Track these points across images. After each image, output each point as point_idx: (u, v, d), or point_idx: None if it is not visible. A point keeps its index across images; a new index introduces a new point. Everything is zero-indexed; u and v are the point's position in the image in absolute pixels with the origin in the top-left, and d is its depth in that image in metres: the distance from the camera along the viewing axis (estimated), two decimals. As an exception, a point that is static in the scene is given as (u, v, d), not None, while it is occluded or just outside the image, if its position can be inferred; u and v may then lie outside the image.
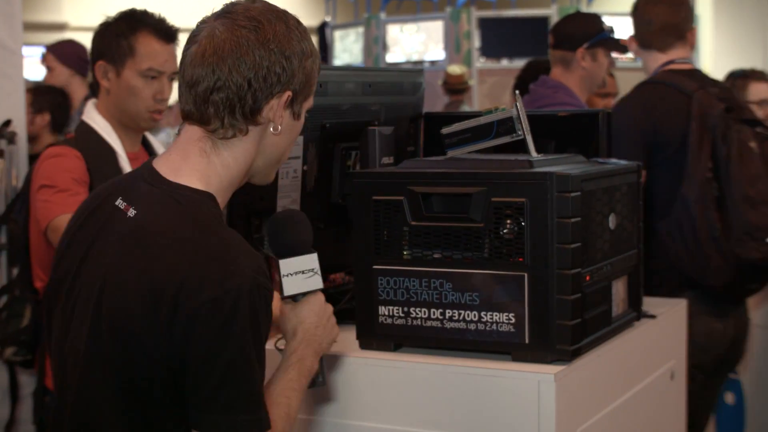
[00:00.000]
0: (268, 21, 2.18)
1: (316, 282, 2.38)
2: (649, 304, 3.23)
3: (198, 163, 2.18)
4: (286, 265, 2.36)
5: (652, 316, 3.16)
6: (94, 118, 3.65)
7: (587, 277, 2.65)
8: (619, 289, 2.92)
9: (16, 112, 4.51)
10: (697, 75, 4.48)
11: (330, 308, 2.41)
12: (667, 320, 3.31)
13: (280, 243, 2.39)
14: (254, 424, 2.08)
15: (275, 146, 2.24)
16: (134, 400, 2.10)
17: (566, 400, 2.58)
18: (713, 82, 4.46)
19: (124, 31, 3.59)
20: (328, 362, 2.74)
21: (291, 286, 2.36)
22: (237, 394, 2.05)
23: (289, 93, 2.18)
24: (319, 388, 2.48)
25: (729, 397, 5.30)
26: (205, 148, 2.18)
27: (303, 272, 2.36)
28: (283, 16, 2.22)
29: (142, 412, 2.10)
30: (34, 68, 18.67)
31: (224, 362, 2.02)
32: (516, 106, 2.75)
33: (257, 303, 2.05)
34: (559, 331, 2.57)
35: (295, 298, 2.40)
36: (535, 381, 2.54)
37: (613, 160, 2.99)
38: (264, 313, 2.07)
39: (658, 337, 3.24)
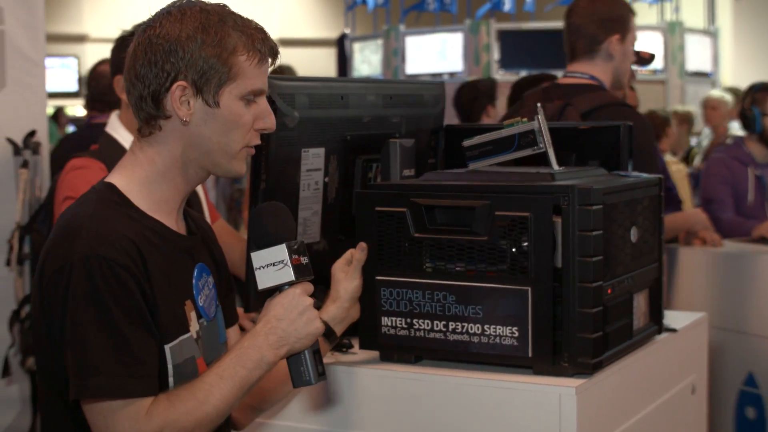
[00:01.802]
0: (165, 18, 2.29)
1: (287, 274, 2.27)
2: (671, 317, 3.22)
3: (125, 161, 2.36)
4: (257, 257, 2.29)
5: (674, 330, 3.15)
6: (117, 129, 3.67)
7: (609, 291, 2.64)
8: (640, 302, 2.91)
9: (38, 122, 4.53)
10: None
11: (304, 302, 2.28)
12: (689, 334, 3.30)
13: (255, 235, 2.34)
14: (96, 389, 2.12)
15: (203, 137, 2.29)
16: (48, 380, 2.28)
17: (587, 414, 2.57)
18: None
19: None
20: (351, 375, 2.74)
21: (263, 279, 2.28)
22: (83, 361, 2.12)
23: (181, 83, 2.25)
24: (312, 385, 2.33)
25: (750, 412, 5.28)
26: (134, 148, 2.35)
27: (274, 264, 2.27)
28: (188, 11, 2.28)
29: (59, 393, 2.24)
30: (55, 79, 18.67)
31: (69, 329, 2.14)
32: (537, 118, 2.74)
33: (95, 273, 2.12)
34: (581, 345, 2.57)
35: (273, 292, 2.31)
36: (556, 394, 2.53)
37: (635, 173, 2.99)
38: (106, 283, 2.12)
39: (680, 351, 3.23)
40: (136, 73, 2.28)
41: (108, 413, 2.14)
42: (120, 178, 2.33)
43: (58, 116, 15.71)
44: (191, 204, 3.76)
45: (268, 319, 2.27)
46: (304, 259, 2.29)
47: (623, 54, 4.33)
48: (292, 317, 2.26)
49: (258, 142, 2.35)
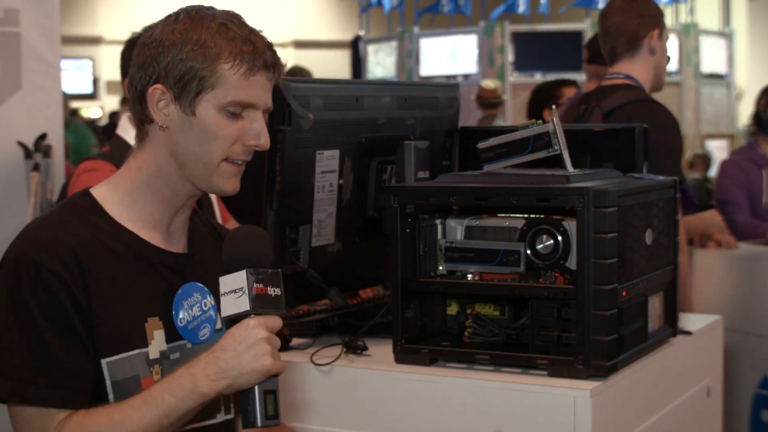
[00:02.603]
0: (164, 21, 2.22)
1: (243, 303, 2.06)
2: (685, 320, 3.22)
3: (120, 169, 2.29)
4: (223, 283, 2.10)
5: (689, 333, 3.14)
6: (129, 132, 3.67)
7: (624, 293, 2.64)
8: (655, 304, 2.90)
9: (53, 124, 4.54)
10: None
11: (256, 335, 2.05)
12: (704, 337, 3.30)
13: (225, 259, 2.14)
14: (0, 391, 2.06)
15: (180, 145, 2.18)
16: None
17: (602, 416, 2.56)
18: None
19: None
20: (366, 377, 2.74)
21: (225, 306, 2.10)
22: None
23: (158, 86, 2.16)
24: (258, 427, 2.09)
25: (765, 415, 5.27)
26: (130, 156, 2.28)
27: (235, 291, 2.07)
28: (184, 15, 2.19)
29: None
30: (69, 81, 18.73)
31: None
32: (552, 121, 2.74)
33: (21, 275, 2.06)
34: (596, 347, 2.56)
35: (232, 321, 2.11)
36: (571, 397, 2.53)
37: (650, 176, 2.98)
38: (30, 286, 2.05)
39: (695, 354, 3.22)
40: (130, 74, 2.21)
41: (19, 417, 2.09)
42: (104, 186, 2.25)
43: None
44: (202, 205, 3.76)
45: (214, 348, 2.08)
46: (274, 290, 2.09)
47: (663, 50, 4.31)
48: (238, 350, 2.05)
49: (244, 157, 2.20)
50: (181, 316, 2.21)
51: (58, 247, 2.08)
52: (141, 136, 2.23)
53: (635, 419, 2.80)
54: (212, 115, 2.15)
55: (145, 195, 2.23)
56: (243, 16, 2.26)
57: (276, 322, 2.09)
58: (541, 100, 6.33)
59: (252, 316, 2.06)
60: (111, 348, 2.12)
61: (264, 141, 2.19)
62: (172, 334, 2.21)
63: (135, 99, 2.20)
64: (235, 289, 2.06)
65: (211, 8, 2.21)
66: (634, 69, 4.27)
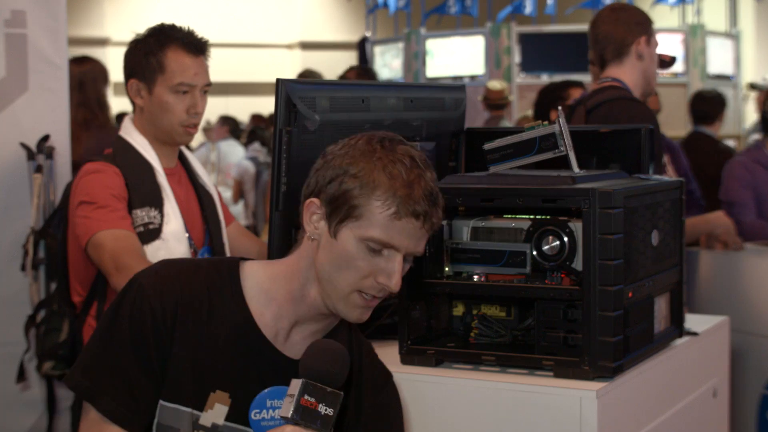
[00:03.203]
0: (348, 141, 2.25)
1: (288, 409, 2.07)
2: (692, 321, 3.21)
3: (281, 260, 2.37)
4: (292, 384, 2.10)
5: (695, 334, 3.14)
6: (131, 134, 3.67)
7: (630, 294, 2.64)
8: (661, 305, 2.90)
9: (59, 126, 4.53)
10: None
11: None
12: (710, 338, 3.29)
13: (300, 364, 2.14)
14: (73, 381, 2.23)
15: (320, 262, 2.23)
16: None
17: (608, 417, 2.56)
18: None
19: (153, 48, 3.59)
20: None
21: (282, 408, 2.11)
22: (82, 354, 2.26)
23: (314, 200, 2.22)
24: None
25: (772, 416, 5.26)
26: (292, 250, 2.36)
27: (290, 396, 2.09)
28: (366, 140, 2.23)
29: None
30: (76, 83, 18.58)
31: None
32: (558, 121, 2.74)
33: (129, 294, 2.23)
34: (602, 348, 2.56)
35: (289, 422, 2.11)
36: (576, 398, 2.53)
37: (656, 177, 2.98)
38: (131, 305, 2.22)
39: (701, 355, 3.22)
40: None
41: (87, 413, 2.23)
42: (257, 264, 2.34)
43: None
44: (203, 203, 3.76)
45: None
46: (325, 409, 2.08)
47: (651, 56, 4.50)
48: None
49: (374, 293, 2.21)
50: (257, 409, 2.26)
51: (166, 293, 2.23)
52: (298, 235, 2.30)
53: (641, 420, 2.79)
54: (352, 244, 2.18)
55: (284, 287, 2.29)
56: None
57: None
58: (548, 100, 6.33)
59: (292, 424, 2.07)
60: (171, 395, 2.22)
61: (394, 285, 2.20)
62: (239, 416, 2.25)
63: (301, 200, 2.27)
64: (291, 394, 2.07)
65: (395, 140, 2.23)
66: (622, 73, 4.48)
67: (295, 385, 2.08)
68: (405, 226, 2.16)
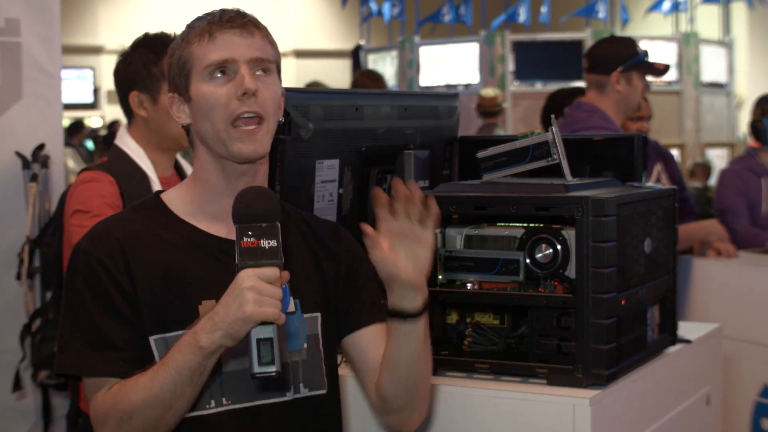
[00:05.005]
0: None
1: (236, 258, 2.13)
2: (685, 328, 3.22)
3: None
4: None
5: (688, 341, 3.15)
6: (127, 143, 3.66)
7: (623, 302, 2.64)
8: (654, 313, 2.91)
9: (53, 134, 4.53)
10: None
11: (243, 284, 2.09)
12: (703, 345, 3.30)
13: (232, 218, 2.17)
14: (61, 365, 2.32)
15: (199, 133, 2.38)
16: None
17: (601, 425, 2.57)
18: None
19: (151, 58, 3.58)
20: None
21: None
22: (60, 339, 2.34)
23: (169, 95, 2.42)
24: (254, 374, 2.10)
25: (766, 424, 5.27)
26: None
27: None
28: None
29: None
30: (70, 91, 18.70)
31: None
32: (551, 130, 2.75)
33: (77, 264, 2.32)
34: (595, 356, 2.57)
35: None
36: (570, 405, 2.53)
37: (649, 184, 2.99)
38: (81, 273, 2.31)
39: (694, 362, 3.23)
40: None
41: (86, 385, 2.31)
42: (173, 188, 2.47)
43: (77, 128, 15.72)
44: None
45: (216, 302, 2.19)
46: (268, 242, 2.12)
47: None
48: (227, 300, 2.11)
49: (245, 108, 2.29)
50: None
51: (105, 240, 2.32)
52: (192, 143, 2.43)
53: (635, 428, 2.80)
54: (201, 88, 2.32)
55: (199, 188, 2.41)
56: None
57: (270, 272, 2.11)
58: (558, 107, 6.31)
59: (243, 269, 2.11)
60: (158, 327, 2.30)
61: (247, 84, 2.29)
62: None
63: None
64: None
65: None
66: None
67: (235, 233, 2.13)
68: (224, 39, 2.30)
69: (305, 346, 2.43)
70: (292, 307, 2.29)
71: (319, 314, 2.46)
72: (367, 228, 2.29)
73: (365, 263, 2.46)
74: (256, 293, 2.08)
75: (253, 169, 2.37)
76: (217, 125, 2.30)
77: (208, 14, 2.36)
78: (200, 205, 2.40)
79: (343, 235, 2.58)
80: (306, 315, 2.43)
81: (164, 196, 2.44)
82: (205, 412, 2.31)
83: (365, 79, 8.06)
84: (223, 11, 2.35)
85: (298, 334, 2.43)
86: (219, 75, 2.30)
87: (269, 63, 2.35)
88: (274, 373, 2.09)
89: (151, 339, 2.29)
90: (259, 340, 2.10)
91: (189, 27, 2.37)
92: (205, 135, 2.33)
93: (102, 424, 2.27)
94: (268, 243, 2.13)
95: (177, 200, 2.42)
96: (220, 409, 2.32)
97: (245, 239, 2.12)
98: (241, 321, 2.09)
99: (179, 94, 2.36)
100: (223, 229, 2.35)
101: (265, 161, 2.43)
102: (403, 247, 2.29)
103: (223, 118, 2.29)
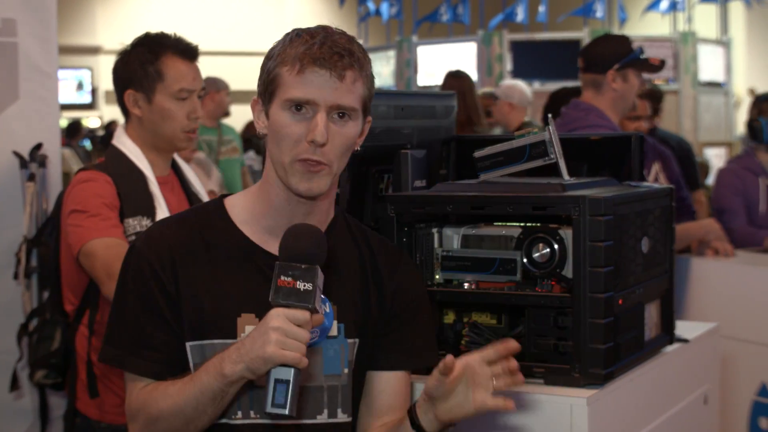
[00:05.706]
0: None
1: (270, 294, 2.16)
2: (682, 327, 3.22)
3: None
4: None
5: (685, 340, 3.15)
6: (124, 142, 3.66)
7: (620, 301, 2.64)
8: (651, 312, 2.91)
9: (50, 134, 4.53)
10: None
11: (270, 324, 2.11)
12: (701, 344, 3.30)
13: (279, 253, 2.21)
14: (103, 355, 2.43)
15: (270, 151, 2.38)
16: None
17: (599, 425, 2.57)
18: None
19: (148, 57, 3.59)
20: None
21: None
22: (107, 329, 2.45)
23: (254, 99, 2.43)
24: (267, 413, 2.14)
25: (763, 423, 5.27)
26: None
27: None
28: (286, 35, 2.41)
29: None
30: (67, 91, 18.72)
31: None
32: (548, 129, 2.75)
33: (128, 262, 2.42)
34: (592, 355, 2.57)
35: None
36: (567, 405, 2.53)
37: (646, 184, 2.99)
38: (131, 270, 2.40)
39: (692, 362, 3.23)
40: None
41: (125, 376, 2.41)
42: (240, 192, 2.50)
43: (76, 128, 15.70)
44: (192, 200, 3.76)
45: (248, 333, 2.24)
46: (304, 285, 2.14)
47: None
48: (254, 336, 2.16)
49: (308, 156, 2.29)
50: None
51: (157, 243, 2.39)
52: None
53: (632, 427, 2.80)
54: (278, 115, 2.34)
55: (262, 198, 2.43)
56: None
57: (300, 315, 2.13)
58: (561, 104, 6.30)
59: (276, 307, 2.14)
60: (196, 333, 2.35)
61: (317, 135, 2.28)
62: None
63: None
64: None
65: (312, 28, 2.39)
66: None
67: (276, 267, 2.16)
68: (312, 77, 2.28)
69: (346, 371, 2.44)
70: (334, 331, 2.38)
71: (357, 340, 2.46)
72: (449, 358, 2.26)
73: (422, 313, 2.54)
74: (281, 335, 2.12)
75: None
76: (282, 156, 2.32)
77: (310, 34, 2.33)
78: (258, 215, 2.42)
79: (402, 270, 2.55)
80: (348, 340, 2.44)
81: (228, 201, 2.47)
82: (231, 422, 2.35)
83: None
84: (324, 39, 2.31)
85: (338, 358, 2.43)
86: (297, 111, 2.29)
87: (351, 110, 2.33)
88: (286, 414, 2.12)
89: (188, 345, 2.36)
90: (276, 381, 2.14)
91: (290, 40, 2.34)
92: (272, 157, 2.35)
93: (133, 418, 2.37)
94: (304, 285, 2.14)
95: (239, 206, 2.45)
96: (247, 421, 2.36)
97: (283, 277, 2.14)
98: (261, 359, 2.13)
99: (263, 104, 2.38)
100: (274, 244, 2.29)
101: (329, 194, 2.44)
102: (464, 384, 2.29)
103: (290, 152, 2.31)
